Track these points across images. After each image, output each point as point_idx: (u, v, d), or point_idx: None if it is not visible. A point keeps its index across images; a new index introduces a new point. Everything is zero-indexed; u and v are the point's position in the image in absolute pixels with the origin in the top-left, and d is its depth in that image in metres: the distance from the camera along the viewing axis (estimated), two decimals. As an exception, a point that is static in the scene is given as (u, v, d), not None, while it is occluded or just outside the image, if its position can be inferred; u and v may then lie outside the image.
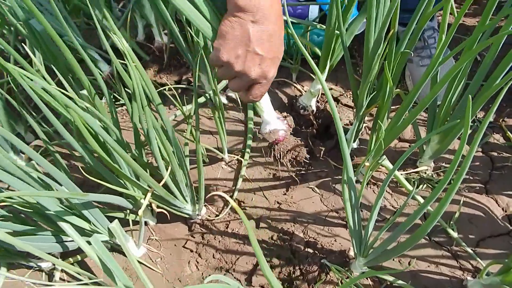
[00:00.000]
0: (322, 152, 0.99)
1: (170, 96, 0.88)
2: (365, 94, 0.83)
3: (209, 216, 0.92)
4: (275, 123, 0.77)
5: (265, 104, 0.76)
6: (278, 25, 0.62)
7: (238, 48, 0.61)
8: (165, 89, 0.79)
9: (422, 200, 0.84)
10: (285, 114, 0.83)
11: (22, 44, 1.22)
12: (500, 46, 0.72)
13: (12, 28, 1.10)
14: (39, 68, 1.16)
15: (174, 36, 0.99)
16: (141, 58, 1.30)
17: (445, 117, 0.87)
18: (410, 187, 0.86)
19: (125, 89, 0.89)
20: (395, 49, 0.79)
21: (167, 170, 0.75)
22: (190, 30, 0.97)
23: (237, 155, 1.03)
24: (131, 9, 1.22)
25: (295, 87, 1.18)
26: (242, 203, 0.94)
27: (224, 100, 1.16)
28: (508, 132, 1.00)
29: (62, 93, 0.63)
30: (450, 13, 1.38)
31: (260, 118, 0.80)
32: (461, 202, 0.88)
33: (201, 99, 1.13)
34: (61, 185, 0.63)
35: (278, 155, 0.77)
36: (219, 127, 0.93)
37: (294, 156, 0.78)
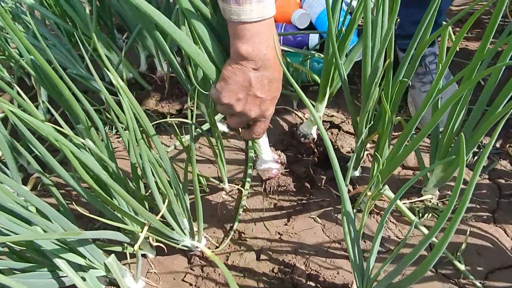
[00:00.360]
0: (323, 181, 0.98)
1: (167, 126, 0.88)
2: (364, 123, 0.82)
3: (209, 248, 0.90)
4: (270, 162, 0.84)
5: (263, 144, 0.83)
6: (277, 70, 0.66)
7: (239, 92, 0.65)
8: (164, 120, 0.79)
9: (426, 231, 0.82)
10: (279, 152, 0.92)
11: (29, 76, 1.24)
12: (502, 71, 0.71)
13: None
14: (41, 102, 1.18)
15: (173, 67, 1.00)
16: (143, 88, 1.31)
17: (449, 144, 0.85)
18: (412, 217, 0.84)
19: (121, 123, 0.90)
20: (394, 76, 0.78)
21: (164, 203, 0.74)
22: (190, 63, 0.98)
23: (238, 184, 1.02)
24: (133, 40, 1.24)
25: (296, 114, 1.18)
26: (242, 234, 0.93)
27: (224, 128, 1.16)
28: (515, 158, 0.98)
29: (57, 129, 0.63)
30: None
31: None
32: (468, 232, 0.85)
33: (205, 126, 1.13)
34: (52, 222, 0.62)
35: (269, 188, 0.86)
36: (218, 157, 0.93)
37: (282, 190, 0.88)
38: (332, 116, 1.16)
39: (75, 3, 1.19)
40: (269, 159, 0.84)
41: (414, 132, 0.81)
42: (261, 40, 0.61)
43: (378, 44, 0.76)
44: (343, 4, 1.36)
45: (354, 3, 1.47)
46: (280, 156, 0.90)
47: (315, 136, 1.06)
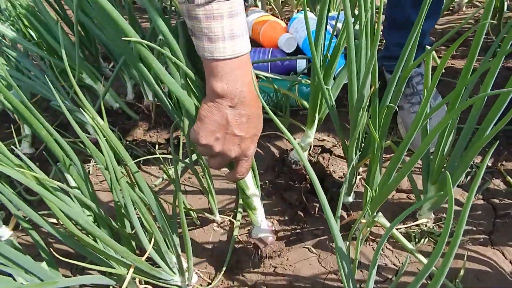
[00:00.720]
0: (316, 208, 0.95)
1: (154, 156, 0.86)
2: (353, 149, 0.81)
3: (200, 285, 0.87)
4: (266, 231, 0.84)
5: (259, 214, 0.83)
6: (255, 106, 0.64)
7: (217, 131, 0.63)
8: (146, 158, 0.77)
9: (423, 259, 0.79)
10: (272, 220, 0.95)
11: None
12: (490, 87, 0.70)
13: None
14: (25, 135, 1.15)
15: (159, 97, 0.99)
16: (130, 117, 1.29)
17: (440, 166, 0.84)
18: (409, 245, 0.81)
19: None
20: (381, 99, 0.77)
21: (150, 242, 0.71)
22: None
23: (230, 215, 0.99)
24: (119, 69, 1.22)
25: (287, 140, 1.16)
26: (235, 268, 0.89)
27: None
28: (508, 176, 0.96)
29: (35, 170, 0.60)
30: (439, 57, 1.38)
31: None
32: (466, 256, 0.83)
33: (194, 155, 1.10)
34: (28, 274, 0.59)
35: (264, 255, 0.86)
36: (207, 188, 0.90)
37: (273, 254, 0.87)
38: (323, 140, 1.14)
39: (57, 34, 1.18)
40: (265, 227, 0.84)
41: (406, 153, 0.80)
42: (236, 77, 0.59)
43: (363, 70, 0.75)
44: (328, 26, 1.36)
45: (340, 25, 1.48)
46: (273, 224, 0.92)
47: (306, 162, 1.04)
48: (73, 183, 0.73)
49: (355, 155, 0.85)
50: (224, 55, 0.58)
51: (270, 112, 0.56)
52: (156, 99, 1.24)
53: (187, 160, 1.06)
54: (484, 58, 0.73)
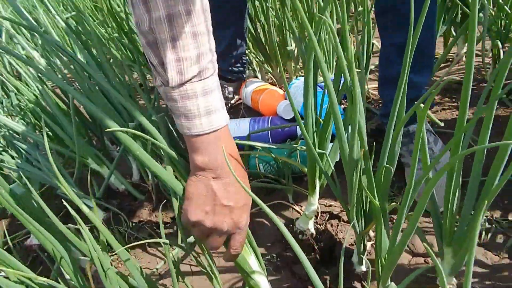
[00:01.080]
0: (327, 281, 0.89)
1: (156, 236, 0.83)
2: (353, 215, 0.77)
3: None
4: None
5: None
6: (240, 176, 0.63)
7: (205, 205, 0.62)
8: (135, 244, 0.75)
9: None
10: None
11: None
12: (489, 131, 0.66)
13: None
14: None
15: (158, 178, 0.99)
16: (136, 198, 1.28)
17: (452, 223, 0.78)
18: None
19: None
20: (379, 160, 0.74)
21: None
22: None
23: (237, 295, 0.93)
24: (123, 151, 1.24)
25: (293, 208, 1.12)
26: None
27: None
28: (532, 231, 0.89)
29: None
30: (443, 109, 1.36)
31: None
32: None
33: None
34: None
35: None
36: (210, 269, 0.86)
37: None
38: (330, 205, 1.10)
39: (64, 123, 1.22)
40: None
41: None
42: (216, 149, 0.61)
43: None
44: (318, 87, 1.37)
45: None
46: None
47: (312, 231, 0.99)
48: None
49: (359, 221, 0.80)
50: (202, 130, 0.60)
51: (248, 185, 0.54)
52: (155, 179, 1.24)
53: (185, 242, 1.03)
54: (481, 107, 0.70)
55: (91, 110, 0.99)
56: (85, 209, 0.60)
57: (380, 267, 0.77)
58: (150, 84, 2.22)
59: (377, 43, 1.57)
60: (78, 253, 0.85)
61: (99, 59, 1.24)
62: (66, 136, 1.25)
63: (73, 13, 1.72)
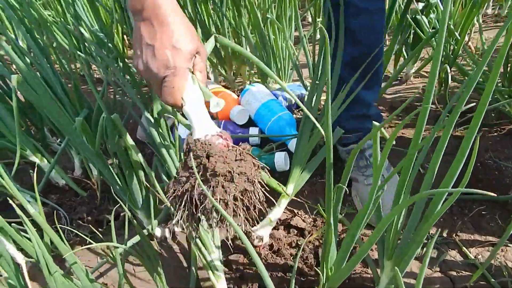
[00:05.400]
0: None
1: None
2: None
3: None
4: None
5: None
6: (170, 18, 0.62)
7: (137, 48, 0.63)
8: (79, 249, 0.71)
9: None
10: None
11: None
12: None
13: None
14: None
15: (103, 174, 0.95)
16: (77, 195, 1.22)
17: (395, 239, 0.82)
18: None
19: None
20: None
21: None
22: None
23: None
24: (66, 144, 1.17)
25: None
26: None
27: (165, 233, 1.08)
28: (464, 247, 0.96)
29: None
30: (390, 127, 1.42)
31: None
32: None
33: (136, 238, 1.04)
34: None
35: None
36: (154, 272, 0.84)
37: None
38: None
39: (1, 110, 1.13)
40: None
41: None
42: None
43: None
44: (280, 97, 1.39)
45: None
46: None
47: (267, 240, 1.00)
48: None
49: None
50: None
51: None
52: (101, 176, 1.18)
53: (132, 241, 0.99)
54: (433, 127, 0.74)
55: (34, 99, 0.93)
56: (30, 209, 0.56)
57: (325, 279, 0.79)
58: (95, 75, 2.12)
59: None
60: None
61: (41, 44, 1.17)
62: (3, 125, 1.16)
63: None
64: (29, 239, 0.62)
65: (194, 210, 0.56)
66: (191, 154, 0.56)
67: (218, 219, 0.58)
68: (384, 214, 0.83)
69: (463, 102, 0.59)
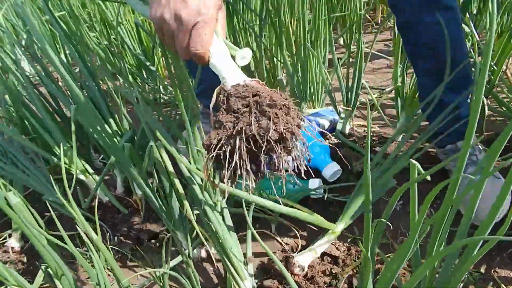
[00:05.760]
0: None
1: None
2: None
3: None
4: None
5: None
6: None
7: None
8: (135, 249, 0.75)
9: None
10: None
11: None
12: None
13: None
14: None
15: (147, 196, 0.99)
16: (119, 212, 1.28)
17: (432, 278, 0.82)
18: None
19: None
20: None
21: None
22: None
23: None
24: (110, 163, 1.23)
25: (275, 239, 1.15)
26: None
27: (201, 253, 1.11)
28: (502, 285, 0.95)
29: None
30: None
31: None
32: None
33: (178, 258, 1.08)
34: None
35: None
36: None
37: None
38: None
39: (52, 128, 1.21)
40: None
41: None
42: None
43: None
44: (314, 123, 1.40)
45: (324, 121, 1.53)
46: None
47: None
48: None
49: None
50: None
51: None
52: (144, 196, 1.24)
53: (175, 260, 1.03)
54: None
55: (85, 121, 0.99)
56: (94, 236, 0.61)
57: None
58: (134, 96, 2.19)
59: (365, 82, 1.58)
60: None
61: (89, 65, 1.24)
62: (54, 142, 1.23)
63: (62, 12, 1.65)
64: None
65: (253, 147, 0.52)
66: (232, 98, 0.54)
67: (281, 154, 0.54)
68: (480, 219, 0.81)
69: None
